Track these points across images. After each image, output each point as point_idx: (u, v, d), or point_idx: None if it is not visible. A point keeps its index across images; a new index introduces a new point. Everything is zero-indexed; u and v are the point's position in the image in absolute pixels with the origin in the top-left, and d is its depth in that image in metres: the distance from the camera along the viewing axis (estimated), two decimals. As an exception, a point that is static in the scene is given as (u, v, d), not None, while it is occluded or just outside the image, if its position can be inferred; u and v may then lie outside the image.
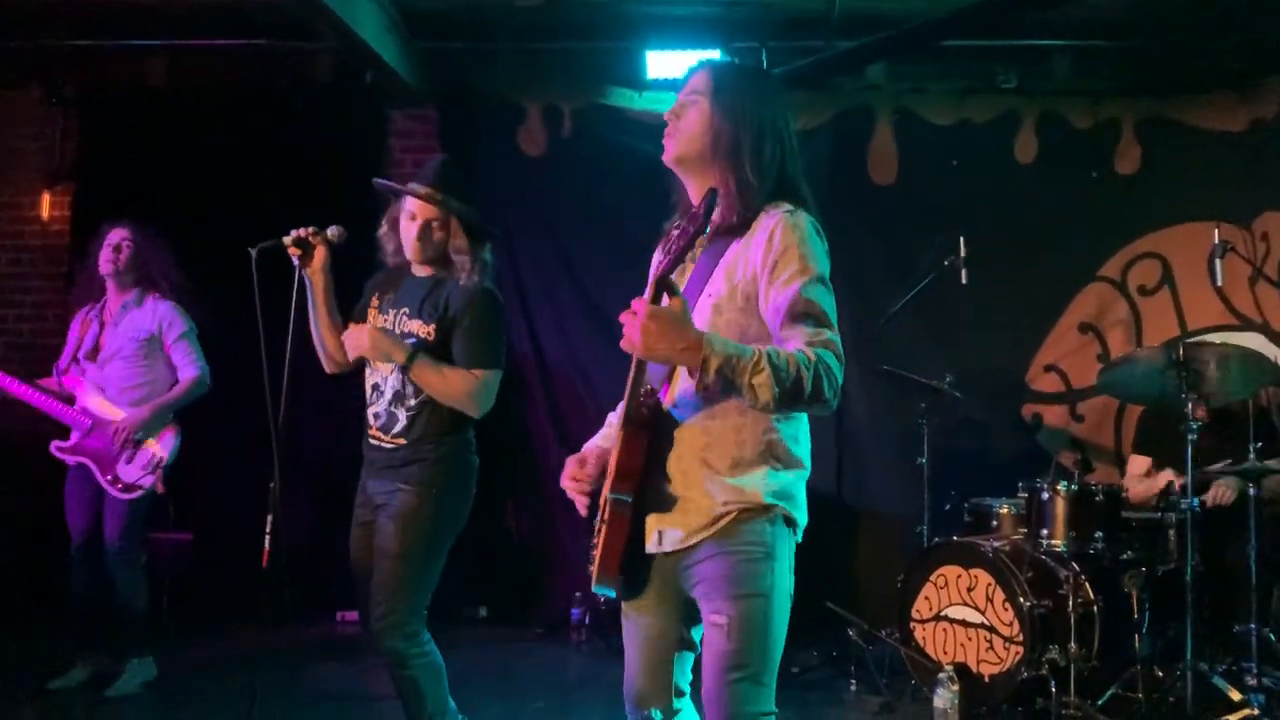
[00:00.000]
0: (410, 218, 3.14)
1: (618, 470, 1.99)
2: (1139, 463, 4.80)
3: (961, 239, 4.72)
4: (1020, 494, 4.40)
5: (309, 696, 4.38)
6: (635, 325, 1.81)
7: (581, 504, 2.15)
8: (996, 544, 4.14)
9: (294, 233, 3.11)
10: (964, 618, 4.11)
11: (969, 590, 4.11)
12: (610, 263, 5.50)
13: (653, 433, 2.01)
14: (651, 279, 1.91)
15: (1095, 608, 3.97)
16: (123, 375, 4.34)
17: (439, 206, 3.07)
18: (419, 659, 3.02)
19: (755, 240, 2.00)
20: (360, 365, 3.20)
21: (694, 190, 2.15)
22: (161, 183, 5.77)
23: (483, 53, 5.84)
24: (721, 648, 1.98)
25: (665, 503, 2.03)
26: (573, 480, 2.15)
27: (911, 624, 4.27)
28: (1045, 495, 4.19)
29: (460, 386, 2.99)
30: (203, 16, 5.55)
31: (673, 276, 1.94)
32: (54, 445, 4.31)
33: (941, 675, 3.87)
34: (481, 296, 3.06)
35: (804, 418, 2.08)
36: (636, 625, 2.16)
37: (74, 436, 4.30)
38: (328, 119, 5.95)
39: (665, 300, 1.87)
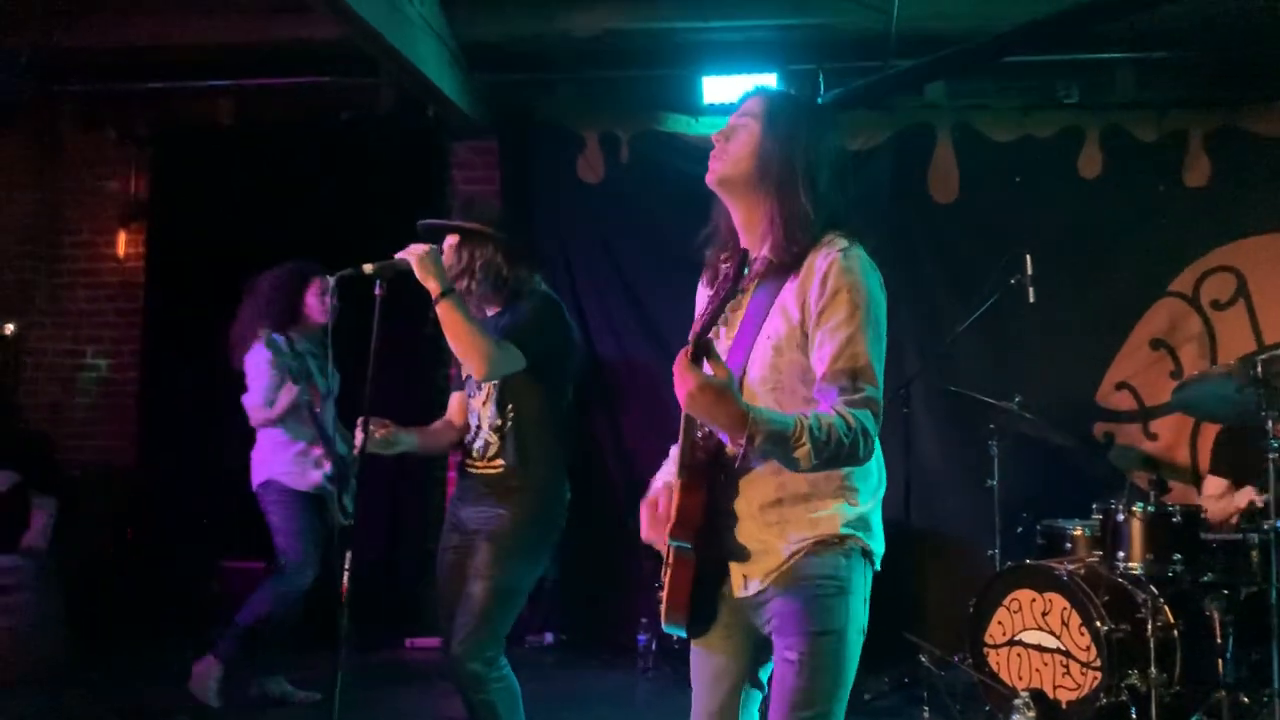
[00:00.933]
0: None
1: (677, 517, 1.99)
2: (1215, 484, 4.67)
3: (1027, 256, 4.65)
4: (1094, 515, 4.30)
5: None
6: (681, 387, 1.82)
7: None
8: (1071, 567, 4.05)
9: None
10: (1039, 642, 4.02)
11: (1044, 615, 4.02)
12: (670, 286, 5.48)
13: (711, 478, 2.01)
14: (693, 333, 1.88)
15: (1176, 632, 3.86)
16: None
17: (478, 236, 3.11)
18: (497, 684, 3.02)
19: (810, 280, 1.97)
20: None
21: (737, 216, 2.12)
22: (232, 218, 5.93)
23: (541, 83, 5.92)
24: (791, 684, 1.96)
25: (740, 549, 2.02)
26: (652, 532, 2.13)
27: (985, 649, 4.19)
28: (1120, 516, 4.09)
29: (480, 343, 2.91)
30: (269, 56, 5.71)
31: (724, 317, 1.99)
32: None
33: (1017, 701, 3.79)
34: (540, 298, 3.13)
35: (876, 447, 2.03)
36: (705, 662, 2.14)
37: None
38: (390, 152, 6.08)
39: (707, 365, 1.85)
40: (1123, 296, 5.59)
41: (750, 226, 2.11)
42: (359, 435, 2.93)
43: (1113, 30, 5.11)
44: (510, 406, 3.05)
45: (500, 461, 3.07)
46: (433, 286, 2.94)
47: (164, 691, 4.47)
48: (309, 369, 4.34)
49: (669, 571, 2.01)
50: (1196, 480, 5.32)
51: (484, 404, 3.11)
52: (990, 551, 4.65)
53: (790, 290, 2.00)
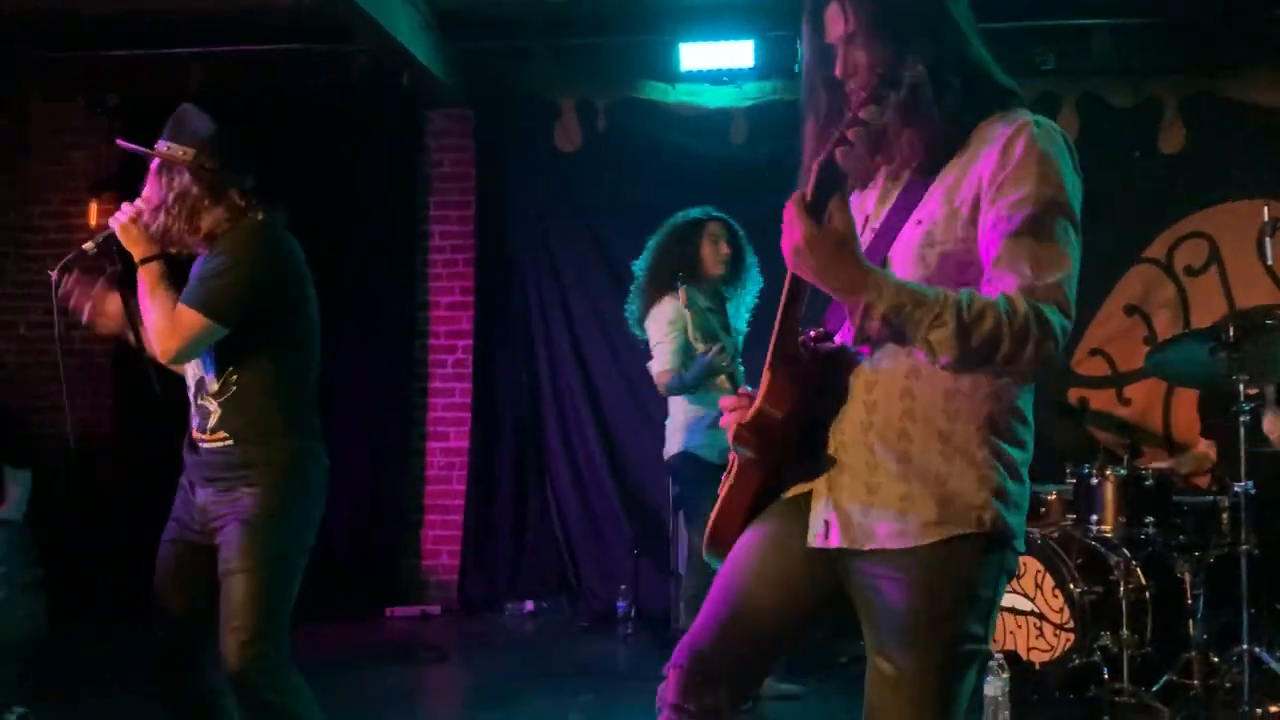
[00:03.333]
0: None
1: (753, 419, 1.57)
2: (1206, 445, 4.73)
3: (1003, 223, 4.66)
4: (1068, 480, 4.35)
5: (360, 693, 4.43)
6: (788, 237, 1.46)
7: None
8: (1045, 530, 4.10)
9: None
10: (1013, 605, 4.07)
11: (1018, 577, 4.07)
12: (648, 256, 5.50)
13: (812, 383, 1.58)
14: (812, 166, 1.48)
15: (1147, 594, 3.92)
16: None
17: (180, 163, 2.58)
18: (284, 691, 2.52)
19: (985, 152, 1.57)
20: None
21: None
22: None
23: (516, 50, 5.86)
24: (885, 705, 1.57)
25: (834, 482, 1.60)
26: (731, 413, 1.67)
27: (960, 612, 4.23)
28: (1094, 481, 4.13)
29: (156, 323, 2.51)
30: (239, 23, 5.61)
31: (857, 192, 1.63)
32: None
33: (991, 663, 3.82)
34: (237, 237, 2.56)
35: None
36: (737, 572, 1.68)
37: None
38: (364, 120, 6.02)
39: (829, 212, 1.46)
40: (1097, 263, 5.55)
41: None
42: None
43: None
44: (230, 369, 2.53)
45: (223, 433, 2.53)
46: (135, 253, 2.56)
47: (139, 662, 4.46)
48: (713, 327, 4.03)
49: (726, 484, 1.67)
50: (1170, 444, 5.38)
51: (201, 366, 2.60)
52: (966, 516, 4.68)
53: (954, 168, 1.60)
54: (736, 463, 1.67)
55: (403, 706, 4.36)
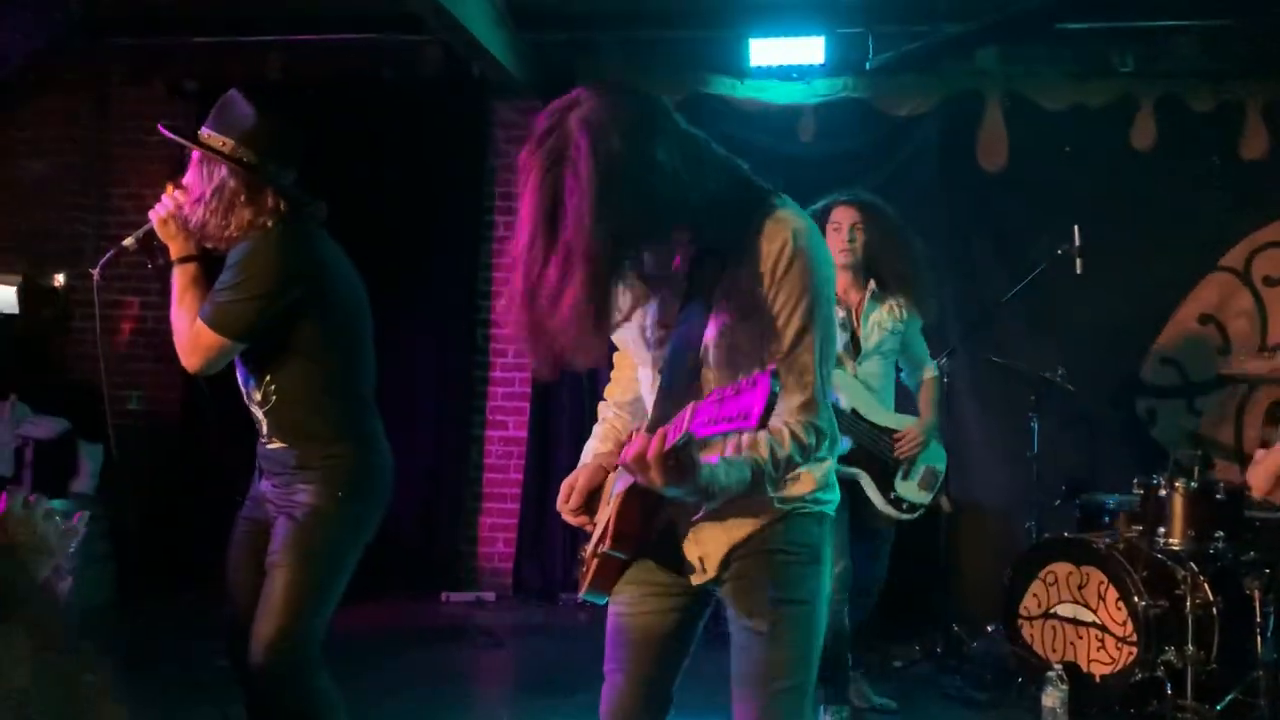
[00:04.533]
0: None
1: (615, 532, 1.83)
2: (1262, 455, 4.60)
3: (1075, 227, 4.58)
4: (1135, 490, 4.26)
5: (414, 675, 4.49)
6: (647, 478, 1.63)
7: (580, 523, 2.01)
8: (1110, 541, 4.02)
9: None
10: (1074, 616, 4.01)
11: (1080, 588, 4.00)
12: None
13: (653, 496, 1.78)
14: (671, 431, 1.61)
15: (1215, 609, 3.83)
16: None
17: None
18: (312, 694, 2.57)
19: (760, 254, 1.78)
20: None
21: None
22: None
23: (586, 43, 5.87)
24: (761, 655, 1.89)
25: (695, 542, 1.93)
26: (566, 510, 2.01)
27: (1019, 621, 4.18)
28: (1163, 492, 4.05)
29: (180, 332, 2.51)
30: (317, 12, 5.72)
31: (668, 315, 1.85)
32: None
33: (1050, 674, 3.78)
34: (255, 245, 2.47)
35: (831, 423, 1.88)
36: (631, 626, 2.01)
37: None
38: (434, 110, 6.08)
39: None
40: (1171, 270, 5.49)
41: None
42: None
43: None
44: (267, 378, 2.52)
45: (276, 440, 2.54)
46: (171, 250, 2.54)
47: (206, 639, 4.57)
48: None
49: (594, 564, 1.90)
50: (1240, 458, 5.24)
51: (240, 377, 2.60)
52: (1027, 524, 4.62)
53: (734, 273, 1.80)
54: (599, 561, 1.89)
55: (454, 687, 4.42)
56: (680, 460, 1.61)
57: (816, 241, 1.84)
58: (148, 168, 6.46)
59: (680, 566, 1.96)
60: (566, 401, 5.95)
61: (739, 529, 1.91)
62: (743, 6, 5.50)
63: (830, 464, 1.99)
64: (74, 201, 6.48)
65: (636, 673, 2.02)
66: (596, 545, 1.92)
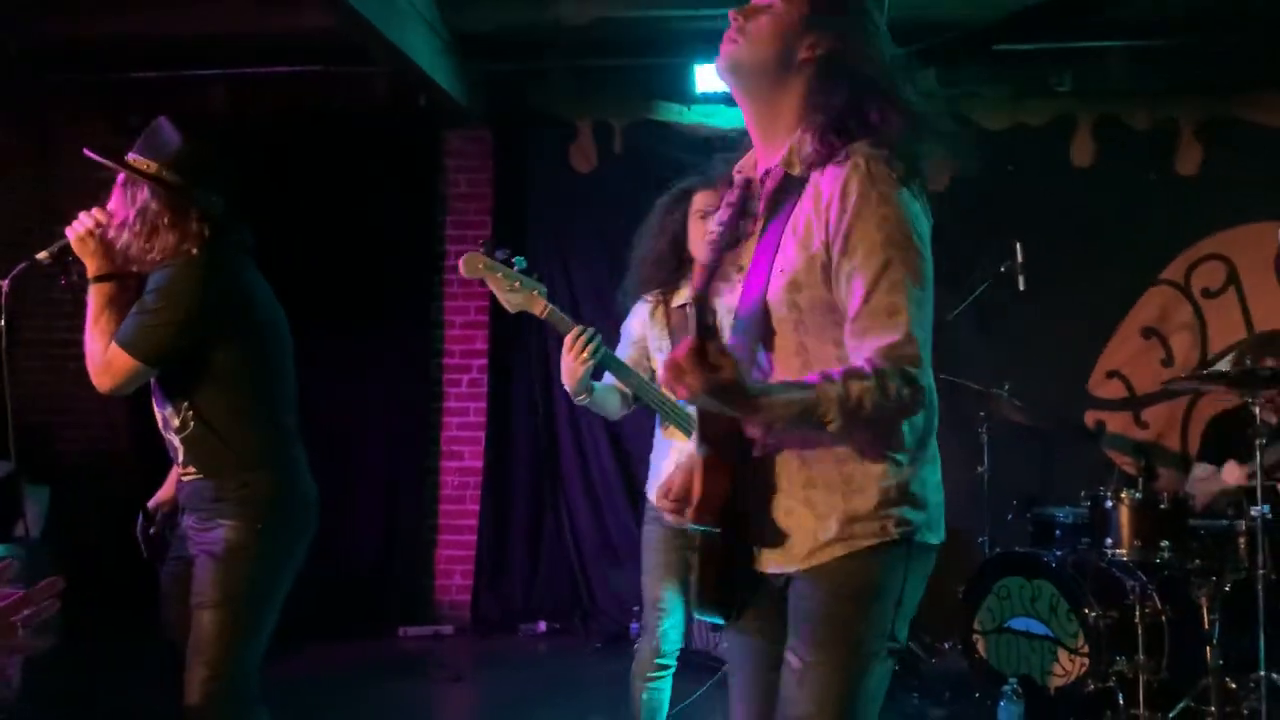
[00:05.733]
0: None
1: (700, 500, 1.72)
2: (1202, 469, 4.69)
3: (1018, 245, 4.66)
4: (1083, 503, 4.32)
5: (372, 712, 4.43)
6: (681, 387, 1.52)
7: (678, 517, 1.84)
8: (1060, 554, 4.07)
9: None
10: (1028, 629, 4.05)
11: (1033, 601, 4.04)
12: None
13: (736, 451, 1.73)
14: (692, 297, 1.63)
15: (1164, 618, 3.89)
16: None
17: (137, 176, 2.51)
18: None
19: (829, 195, 1.65)
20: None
21: (750, 115, 1.79)
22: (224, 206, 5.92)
23: (534, 72, 5.91)
24: (790, 694, 1.72)
25: (770, 527, 1.75)
26: (666, 504, 1.87)
27: (974, 636, 4.21)
28: (1109, 504, 4.10)
29: (93, 351, 2.48)
30: (261, 45, 5.69)
31: (734, 254, 1.73)
32: None
33: (1006, 688, 3.81)
34: (174, 271, 2.44)
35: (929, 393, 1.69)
36: (741, 646, 1.89)
37: None
38: (383, 141, 6.07)
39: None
40: (1114, 285, 5.60)
41: (768, 132, 1.77)
42: None
43: (1107, 19, 5.11)
44: (185, 404, 2.48)
45: (192, 469, 2.50)
46: (89, 268, 2.51)
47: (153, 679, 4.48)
48: None
49: (695, 558, 1.80)
50: (1187, 468, 5.33)
51: (157, 403, 2.55)
52: (980, 539, 4.67)
53: (804, 209, 1.69)
54: (700, 538, 1.78)
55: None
56: (713, 356, 1.47)
57: (895, 181, 1.66)
58: (90, 204, 6.36)
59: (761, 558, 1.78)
60: (522, 432, 5.93)
61: (799, 538, 1.72)
62: (688, 33, 5.55)
63: (918, 463, 1.74)
64: (16, 241, 6.37)
65: (748, 695, 1.87)
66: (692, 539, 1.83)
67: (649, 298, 3.11)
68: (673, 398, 2.85)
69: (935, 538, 1.77)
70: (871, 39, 1.75)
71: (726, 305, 1.81)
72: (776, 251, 1.70)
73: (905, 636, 1.79)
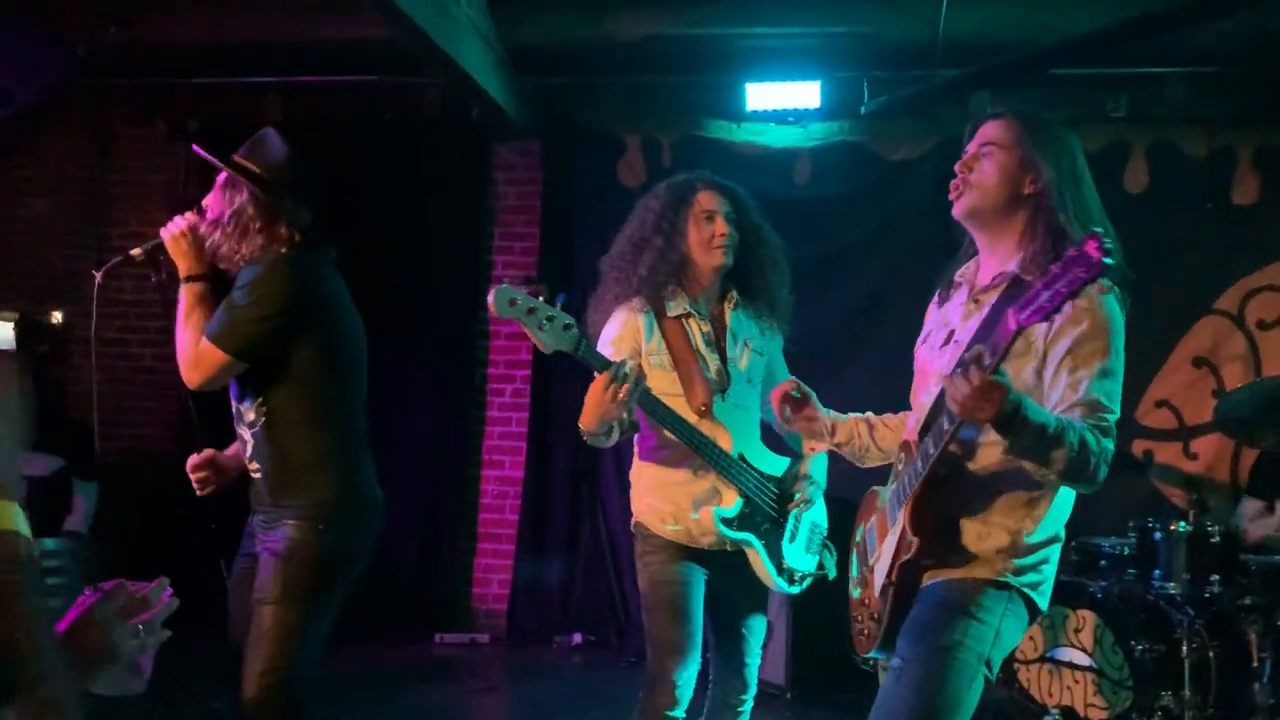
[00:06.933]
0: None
1: (920, 532, 2.01)
2: (1253, 505, 4.60)
3: (1069, 271, 4.60)
4: (1131, 534, 4.25)
5: (404, 717, 4.45)
6: (974, 397, 1.77)
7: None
8: (1106, 584, 4.01)
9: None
10: (1071, 660, 3.98)
11: (1076, 632, 3.98)
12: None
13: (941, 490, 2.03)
14: (975, 350, 1.84)
15: (1211, 653, 3.81)
16: None
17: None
18: None
19: (1064, 307, 1.87)
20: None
21: (982, 242, 2.14)
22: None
23: (585, 87, 5.95)
24: (888, 692, 1.97)
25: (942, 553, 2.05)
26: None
27: (1015, 665, 4.15)
28: (1158, 535, 4.03)
29: (184, 348, 2.55)
30: (316, 54, 5.79)
31: (951, 330, 2.10)
32: None
33: (1048, 719, 3.75)
34: (261, 269, 2.52)
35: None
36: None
37: None
38: (433, 152, 6.13)
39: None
40: (1165, 314, 5.51)
41: (996, 250, 2.13)
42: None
43: (1163, 44, 5.05)
44: (260, 400, 2.54)
45: (255, 465, 2.58)
46: (180, 268, 2.59)
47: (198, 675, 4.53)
48: None
49: (891, 592, 2.04)
50: (1237, 501, 5.23)
51: (235, 396, 2.63)
52: (1024, 567, 4.60)
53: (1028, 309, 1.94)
54: (899, 571, 2.06)
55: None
56: (986, 379, 1.74)
57: (1113, 299, 2.01)
58: (147, 207, 6.51)
59: None
60: (563, 442, 5.94)
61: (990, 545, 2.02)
62: (740, 51, 5.57)
63: (1050, 540, 2.08)
64: (73, 240, 6.51)
65: None
66: (889, 571, 2.06)
67: (635, 303, 2.86)
68: (709, 435, 2.71)
69: (1043, 604, 2.08)
70: (1084, 175, 2.14)
71: (937, 369, 2.12)
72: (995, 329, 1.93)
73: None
